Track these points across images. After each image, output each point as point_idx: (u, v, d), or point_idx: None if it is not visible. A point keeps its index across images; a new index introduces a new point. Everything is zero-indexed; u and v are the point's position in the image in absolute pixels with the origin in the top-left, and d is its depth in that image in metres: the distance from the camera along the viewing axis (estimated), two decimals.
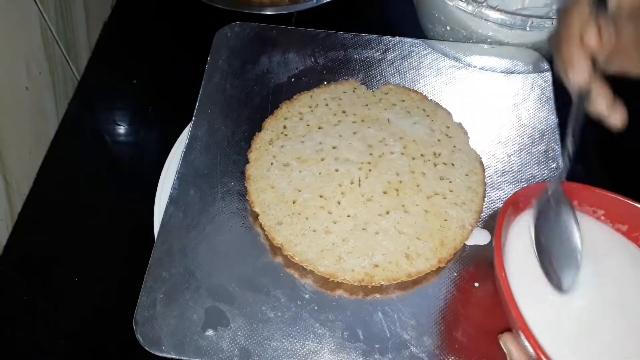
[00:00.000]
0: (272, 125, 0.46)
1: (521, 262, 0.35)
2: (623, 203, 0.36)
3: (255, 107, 0.48)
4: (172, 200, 0.42)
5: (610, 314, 0.33)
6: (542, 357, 0.29)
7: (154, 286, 0.39)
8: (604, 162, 0.54)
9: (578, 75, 0.29)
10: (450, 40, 0.54)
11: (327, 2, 0.61)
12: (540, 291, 0.34)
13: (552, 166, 0.44)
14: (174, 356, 0.36)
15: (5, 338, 0.44)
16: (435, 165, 0.44)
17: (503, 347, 0.33)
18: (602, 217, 0.37)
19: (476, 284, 0.39)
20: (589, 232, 0.36)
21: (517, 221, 0.36)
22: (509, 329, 0.34)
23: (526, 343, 0.30)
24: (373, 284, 0.39)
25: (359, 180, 0.43)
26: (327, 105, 0.47)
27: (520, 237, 0.36)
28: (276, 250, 0.40)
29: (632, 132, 0.55)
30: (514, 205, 0.36)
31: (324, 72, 0.50)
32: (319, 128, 0.46)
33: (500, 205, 0.42)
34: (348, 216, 0.41)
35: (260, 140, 0.45)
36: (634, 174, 0.52)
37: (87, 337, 0.44)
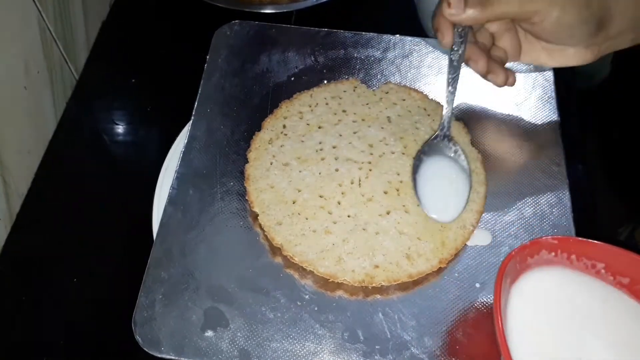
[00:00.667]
0: (271, 125, 0.46)
1: (523, 327, 0.34)
2: (624, 255, 0.35)
3: (255, 106, 0.48)
4: (171, 201, 0.42)
5: None
6: None
7: (153, 287, 0.38)
8: (605, 164, 0.54)
9: (444, 38, 0.37)
10: None
11: (327, 1, 0.60)
12: (545, 354, 0.33)
13: (553, 166, 0.44)
14: (173, 357, 0.36)
15: (4, 338, 0.44)
16: None
17: None
18: (603, 271, 0.36)
19: (477, 285, 0.39)
20: (596, 296, 0.36)
21: (517, 284, 0.36)
22: None
23: None
24: (373, 284, 0.38)
25: (359, 180, 0.42)
26: (327, 104, 0.47)
27: (520, 300, 0.35)
28: (276, 250, 0.40)
29: (631, 131, 0.55)
30: (512, 265, 0.35)
31: (324, 71, 0.50)
32: (319, 127, 0.46)
33: (501, 205, 0.42)
34: (348, 216, 0.41)
35: (260, 140, 0.45)
36: (634, 177, 0.52)
37: (86, 337, 0.44)
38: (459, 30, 0.37)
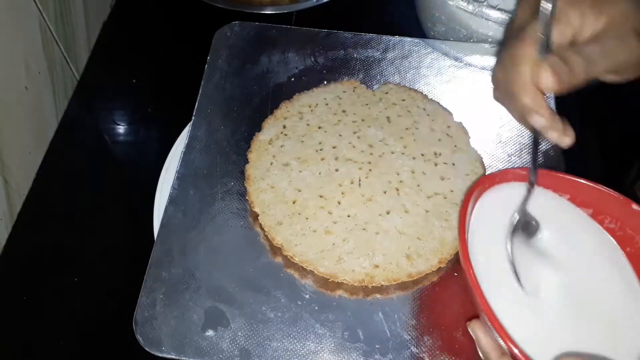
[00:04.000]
0: (271, 125, 0.46)
1: (487, 249, 0.35)
2: (586, 186, 0.36)
3: (255, 106, 0.48)
4: (172, 200, 0.42)
5: (578, 300, 0.33)
6: (508, 342, 0.29)
7: (153, 286, 0.39)
8: (604, 164, 0.54)
9: (541, 120, 0.30)
10: (450, 40, 0.54)
11: (327, 2, 0.60)
12: (506, 279, 0.34)
13: (553, 166, 0.44)
14: (173, 356, 0.36)
15: (5, 338, 0.44)
16: (435, 165, 0.44)
17: (471, 334, 0.33)
18: (568, 202, 0.37)
19: None
20: (557, 212, 0.36)
21: (481, 201, 0.36)
22: (477, 316, 0.34)
23: (492, 329, 0.30)
24: (373, 284, 0.39)
25: (359, 180, 0.43)
26: (327, 104, 0.47)
27: (486, 220, 0.35)
28: (276, 250, 0.40)
29: (631, 131, 0.55)
30: (480, 190, 0.36)
31: (324, 71, 0.50)
32: (319, 128, 0.46)
33: None
34: (348, 216, 0.41)
35: (260, 140, 0.45)
36: (634, 176, 0.52)
37: (87, 337, 0.44)
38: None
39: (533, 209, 0.36)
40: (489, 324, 0.30)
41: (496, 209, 0.36)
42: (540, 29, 0.29)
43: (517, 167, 0.37)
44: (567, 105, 0.43)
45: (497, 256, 0.34)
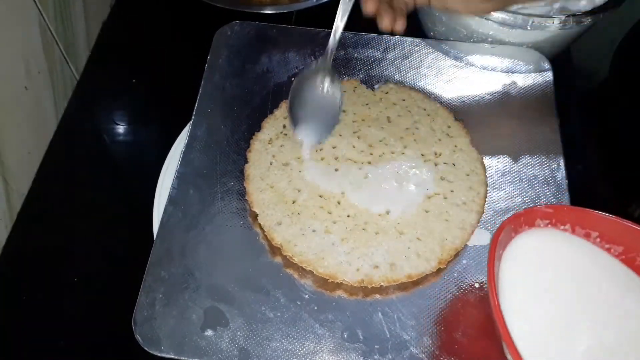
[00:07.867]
0: (271, 125, 0.46)
1: (514, 286, 0.34)
2: (617, 224, 0.35)
3: (255, 106, 0.48)
4: (172, 200, 0.42)
5: (612, 346, 0.33)
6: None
7: (153, 286, 0.39)
8: (604, 163, 0.54)
9: (368, 5, 0.39)
10: (451, 40, 0.54)
11: (328, 1, 0.60)
12: (537, 324, 0.33)
13: (553, 166, 0.44)
14: (173, 356, 0.36)
15: (5, 338, 0.44)
16: (435, 165, 0.44)
17: None
18: (598, 240, 0.36)
19: (476, 284, 0.39)
20: (586, 257, 0.36)
21: (509, 246, 0.36)
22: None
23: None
24: (373, 284, 0.39)
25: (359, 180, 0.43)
26: None
27: (512, 260, 0.35)
28: (276, 250, 0.40)
29: (631, 131, 0.55)
30: (507, 233, 0.35)
31: None
32: None
33: (501, 206, 0.42)
34: (348, 216, 0.41)
35: (260, 140, 0.45)
36: (633, 173, 0.52)
37: (87, 337, 0.44)
38: None
39: (556, 254, 0.36)
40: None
41: (524, 255, 0.35)
42: None
43: (544, 205, 0.37)
44: (567, 106, 0.43)
45: (534, 314, 0.34)
